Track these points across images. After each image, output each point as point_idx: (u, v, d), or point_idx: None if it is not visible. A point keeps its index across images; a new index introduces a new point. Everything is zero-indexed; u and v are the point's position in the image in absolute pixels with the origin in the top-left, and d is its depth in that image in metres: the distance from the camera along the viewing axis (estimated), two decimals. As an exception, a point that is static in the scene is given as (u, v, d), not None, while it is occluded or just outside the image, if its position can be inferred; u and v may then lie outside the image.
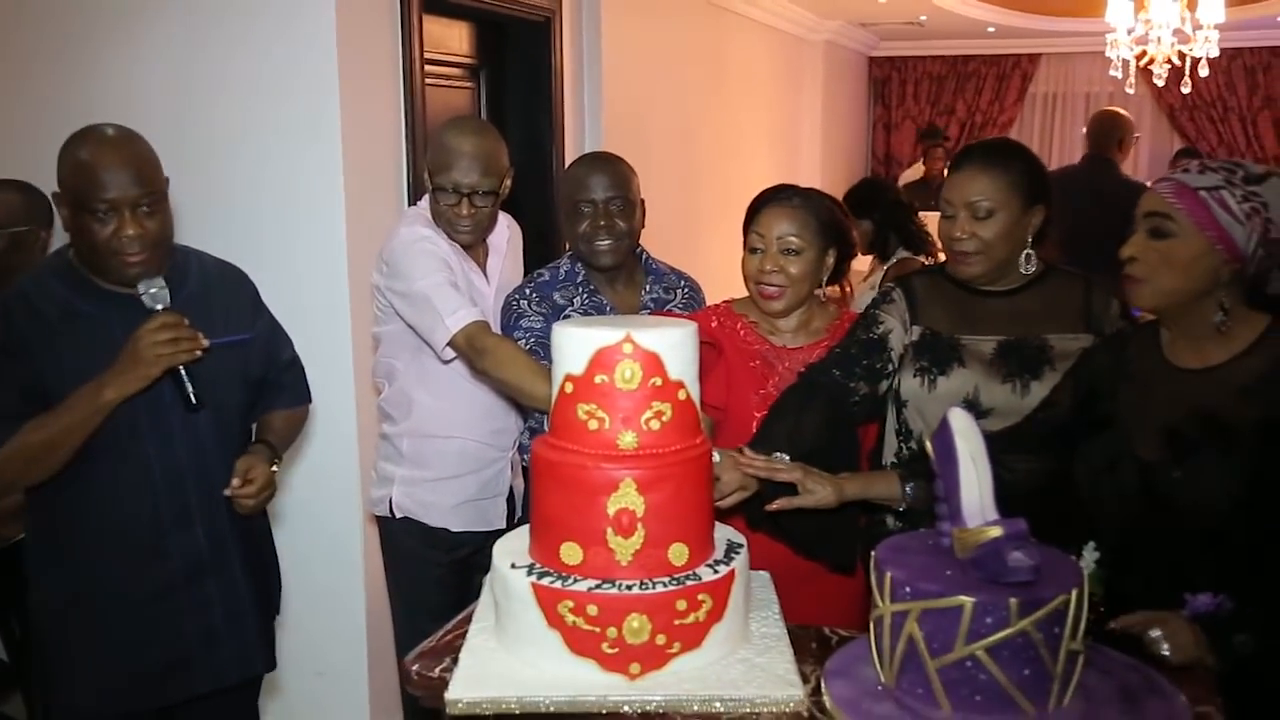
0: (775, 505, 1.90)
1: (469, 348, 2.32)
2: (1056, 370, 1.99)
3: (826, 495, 1.90)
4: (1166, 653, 1.55)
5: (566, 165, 4.02)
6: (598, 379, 1.51)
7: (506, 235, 2.65)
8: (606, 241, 2.44)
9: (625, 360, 1.50)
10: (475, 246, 2.56)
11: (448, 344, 2.33)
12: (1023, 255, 2.05)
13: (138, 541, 2.03)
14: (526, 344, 2.39)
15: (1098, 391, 1.82)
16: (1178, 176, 1.68)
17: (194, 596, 2.08)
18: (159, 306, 1.96)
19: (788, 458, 1.95)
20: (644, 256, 2.62)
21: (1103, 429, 1.78)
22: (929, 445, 1.59)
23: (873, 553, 1.50)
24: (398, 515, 2.59)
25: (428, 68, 3.24)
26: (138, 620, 2.04)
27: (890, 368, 2.12)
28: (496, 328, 2.48)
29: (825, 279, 2.27)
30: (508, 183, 2.53)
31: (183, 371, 1.96)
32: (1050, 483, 1.85)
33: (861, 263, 4.51)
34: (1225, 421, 1.63)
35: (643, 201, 2.54)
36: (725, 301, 2.35)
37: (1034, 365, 2.03)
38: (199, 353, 1.97)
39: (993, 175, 2.01)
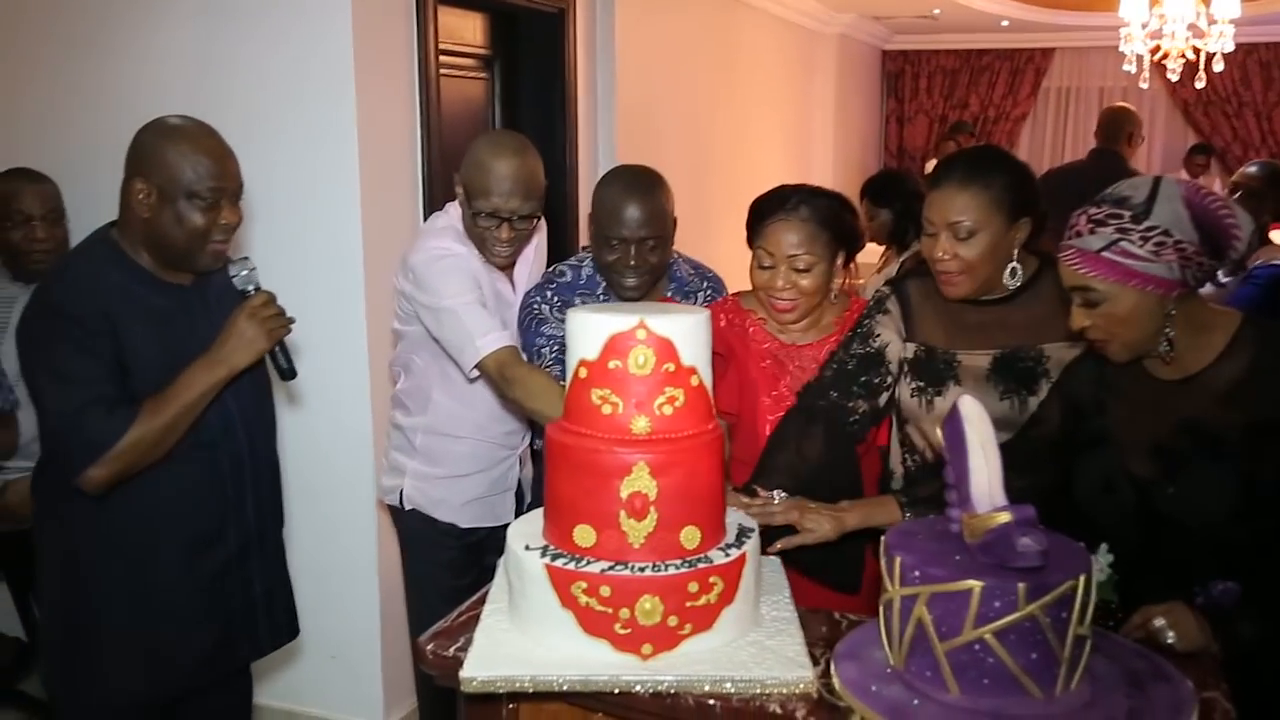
0: (776, 548, 1.88)
1: (499, 375, 2.28)
2: (1052, 381, 1.95)
3: (825, 531, 1.89)
4: (1172, 641, 1.57)
5: (581, 160, 4.04)
6: (611, 364, 1.53)
7: (535, 242, 2.59)
8: (633, 280, 2.35)
9: (639, 346, 1.52)
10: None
11: (475, 365, 2.31)
12: (1008, 270, 1.98)
13: (202, 529, 2.07)
14: (551, 352, 2.34)
15: (1084, 408, 1.81)
16: (1074, 244, 1.65)
17: (241, 575, 2.15)
18: (251, 287, 2.06)
19: (784, 494, 1.94)
20: (669, 262, 2.52)
21: (1094, 446, 1.78)
22: (939, 433, 1.61)
23: (883, 538, 1.51)
24: (407, 507, 2.61)
25: (442, 58, 3.26)
26: (191, 605, 2.08)
27: (889, 380, 2.07)
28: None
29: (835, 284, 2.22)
30: None
31: (279, 345, 2.08)
32: (1047, 499, 1.84)
33: (873, 252, 4.50)
34: (1211, 430, 1.63)
35: (675, 219, 2.42)
36: (733, 296, 2.33)
37: (1029, 379, 1.99)
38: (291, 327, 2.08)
39: (973, 193, 1.92)
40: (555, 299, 2.42)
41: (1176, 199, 1.60)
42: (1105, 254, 1.61)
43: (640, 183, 2.39)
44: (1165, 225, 1.58)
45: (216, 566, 2.10)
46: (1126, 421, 1.74)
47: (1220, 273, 1.65)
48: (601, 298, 2.44)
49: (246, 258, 2.10)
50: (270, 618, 2.22)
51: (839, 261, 2.21)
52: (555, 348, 2.33)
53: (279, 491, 2.26)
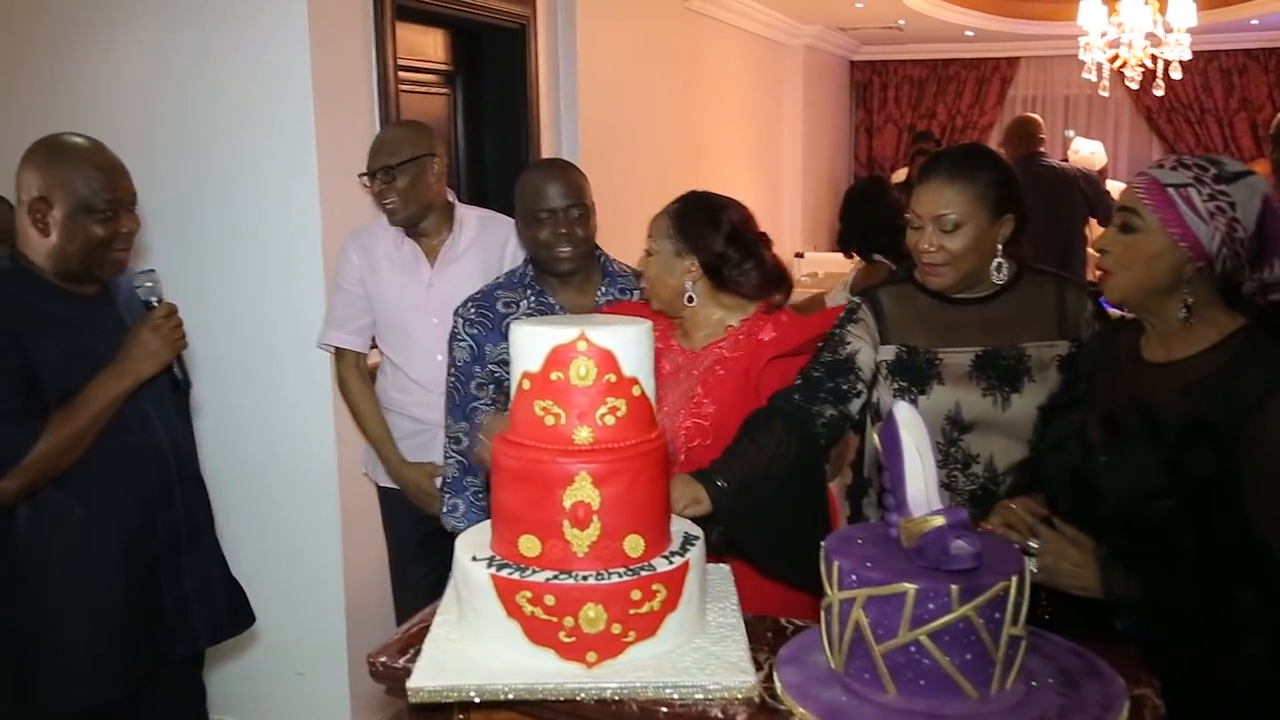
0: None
1: (335, 367, 2.94)
2: (1035, 381, 1.99)
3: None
4: (1034, 570, 1.59)
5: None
6: (553, 376, 1.55)
7: (473, 235, 2.85)
8: (567, 249, 2.43)
9: (580, 357, 1.54)
10: (416, 224, 2.82)
11: (321, 345, 2.91)
12: (994, 264, 2.02)
13: (134, 526, 2.13)
14: (451, 380, 2.51)
15: (1079, 374, 1.87)
16: (1151, 172, 1.70)
17: (171, 571, 2.20)
18: (154, 299, 2.14)
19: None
20: (602, 258, 2.59)
21: (1069, 408, 1.83)
22: (876, 438, 1.64)
23: (823, 543, 1.54)
24: (363, 470, 3.08)
25: (402, 74, 3.28)
26: (127, 600, 2.12)
27: (860, 387, 2.08)
28: (439, 311, 2.68)
29: (691, 285, 2.18)
30: (428, 173, 2.77)
31: (177, 358, 2.16)
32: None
33: (843, 262, 4.53)
34: (1156, 414, 1.67)
35: (593, 205, 2.52)
36: (646, 302, 2.29)
37: (1012, 377, 2.01)
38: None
39: (959, 187, 1.96)
40: (473, 308, 2.52)
41: (1258, 191, 1.65)
42: (1169, 190, 1.65)
43: (555, 163, 2.69)
44: (1235, 199, 1.63)
45: (149, 564, 2.15)
46: (1102, 389, 1.78)
47: (1243, 287, 1.67)
48: (529, 294, 2.51)
49: (152, 270, 2.17)
50: (207, 610, 2.27)
51: (689, 267, 2.18)
52: (454, 375, 2.51)
53: (204, 487, 2.33)
